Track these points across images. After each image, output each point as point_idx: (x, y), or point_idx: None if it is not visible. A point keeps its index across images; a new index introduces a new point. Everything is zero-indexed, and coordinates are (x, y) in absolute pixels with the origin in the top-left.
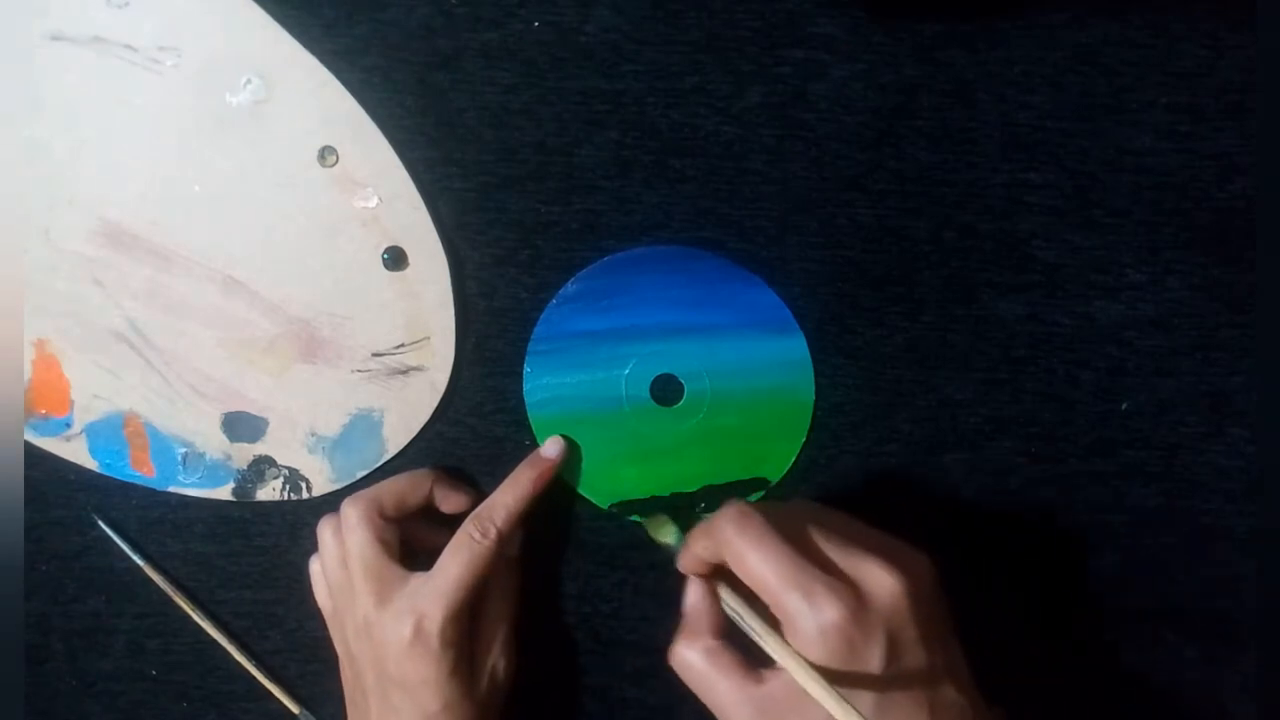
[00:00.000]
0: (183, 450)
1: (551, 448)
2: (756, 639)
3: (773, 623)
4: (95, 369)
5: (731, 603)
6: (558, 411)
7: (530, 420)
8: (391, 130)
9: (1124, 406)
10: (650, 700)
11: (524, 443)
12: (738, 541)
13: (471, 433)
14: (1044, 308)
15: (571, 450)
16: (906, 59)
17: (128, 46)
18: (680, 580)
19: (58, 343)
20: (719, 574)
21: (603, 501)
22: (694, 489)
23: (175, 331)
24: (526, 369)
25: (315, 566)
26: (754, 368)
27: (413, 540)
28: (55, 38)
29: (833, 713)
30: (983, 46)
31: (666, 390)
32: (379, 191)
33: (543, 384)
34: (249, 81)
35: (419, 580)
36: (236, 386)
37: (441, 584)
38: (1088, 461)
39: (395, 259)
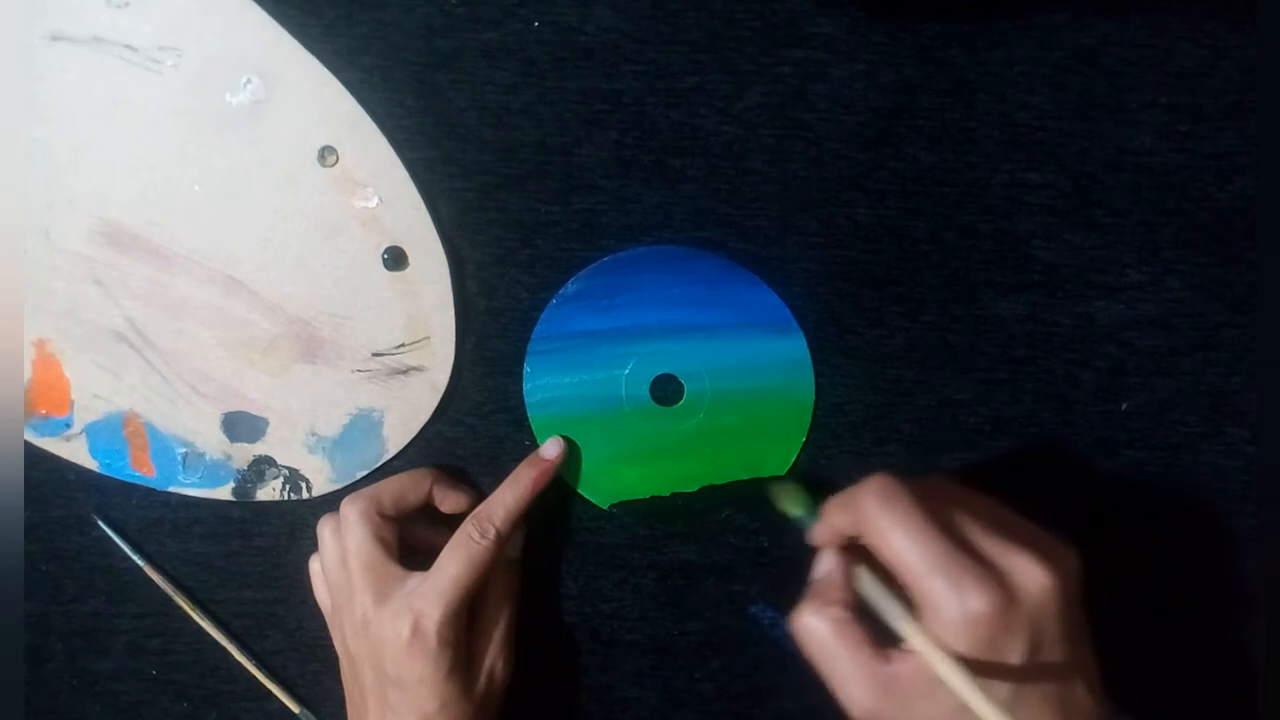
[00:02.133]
0: (183, 450)
1: (551, 448)
2: (892, 621)
3: (906, 606)
4: (95, 369)
5: (869, 582)
6: (558, 411)
7: (530, 420)
8: (391, 130)
9: (1124, 406)
10: (650, 700)
11: (524, 443)
12: (881, 517)
13: (471, 433)
14: (1044, 308)
15: (571, 450)
16: (906, 59)
17: (128, 46)
18: (801, 554)
19: (58, 343)
20: (857, 552)
21: (603, 502)
22: (694, 489)
23: (175, 331)
24: (526, 369)
25: (315, 566)
26: (754, 368)
27: (412, 540)
28: (55, 38)
29: (971, 704)
30: (983, 46)
31: (666, 390)
32: (379, 191)
33: (543, 384)
34: (249, 81)
35: (417, 579)
36: (236, 386)
37: (440, 583)
38: (1088, 461)
39: (395, 259)
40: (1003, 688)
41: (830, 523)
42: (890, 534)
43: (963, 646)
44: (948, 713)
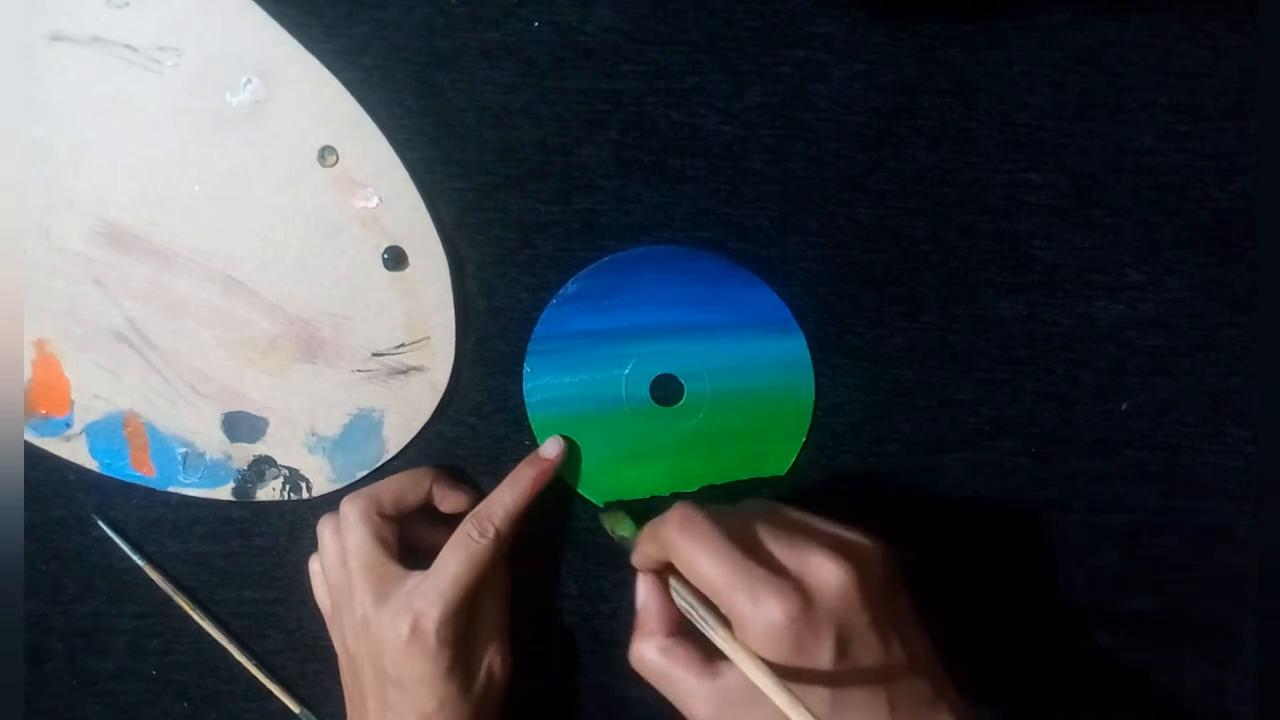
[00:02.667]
0: (183, 450)
1: (551, 448)
2: (708, 634)
3: (724, 621)
4: (95, 369)
5: (683, 596)
6: (558, 411)
7: (530, 420)
8: (391, 130)
9: (1124, 406)
10: (650, 700)
11: (524, 443)
12: (681, 544)
13: (471, 433)
14: (1044, 308)
15: (571, 450)
16: (906, 59)
17: (128, 46)
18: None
19: (58, 343)
20: (672, 571)
21: (601, 501)
22: (694, 489)
23: (175, 331)
24: (526, 369)
25: (315, 566)
26: (754, 368)
27: (412, 539)
28: (55, 38)
29: (782, 708)
30: (983, 46)
31: (666, 390)
32: (379, 191)
33: (543, 384)
34: (249, 81)
35: (417, 579)
36: (236, 386)
37: (439, 583)
38: (1088, 461)
39: (395, 259)
40: (820, 690)
41: (643, 551)
42: (691, 558)
43: (772, 655)
44: (778, 717)
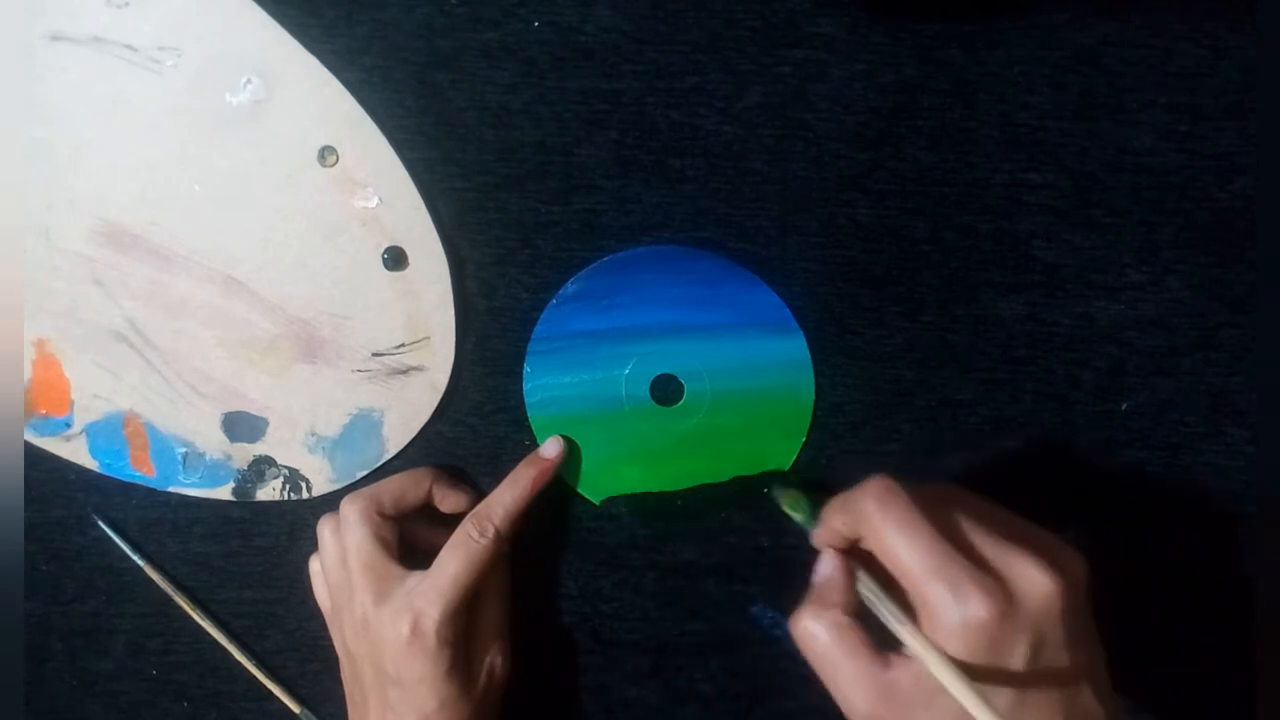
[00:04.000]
0: (183, 450)
1: (551, 448)
2: (892, 626)
3: (907, 609)
4: (95, 369)
5: (868, 587)
6: (558, 411)
7: (530, 420)
8: (391, 130)
9: (1124, 406)
10: (650, 700)
11: (524, 443)
12: (879, 520)
13: (471, 433)
14: (1044, 308)
15: (571, 450)
16: (906, 59)
17: (128, 46)
18: (805, 555)
19: (58, 343)
20: (854, 550)
21: (599, 500)
22: (693, 488)
23: (175, 331)
24: (526, 369)
25: (315, 566)
26: (754, 368)
27: (412, 539)
28: (55, 38)
29: (971, 711)
30: (983, 46)
31: (666, 390)
32: (379, 191)
33: (543, 384)
34: (249, 81)
35: (417, 578)
36: (236, 386)
37: (439, 582)
38: (1088, 461)
39: (395, 259)
40: (1004, 694)
41: (830, 525)
42: (888, 537)
43: (962, 652)
44: (946, 718)
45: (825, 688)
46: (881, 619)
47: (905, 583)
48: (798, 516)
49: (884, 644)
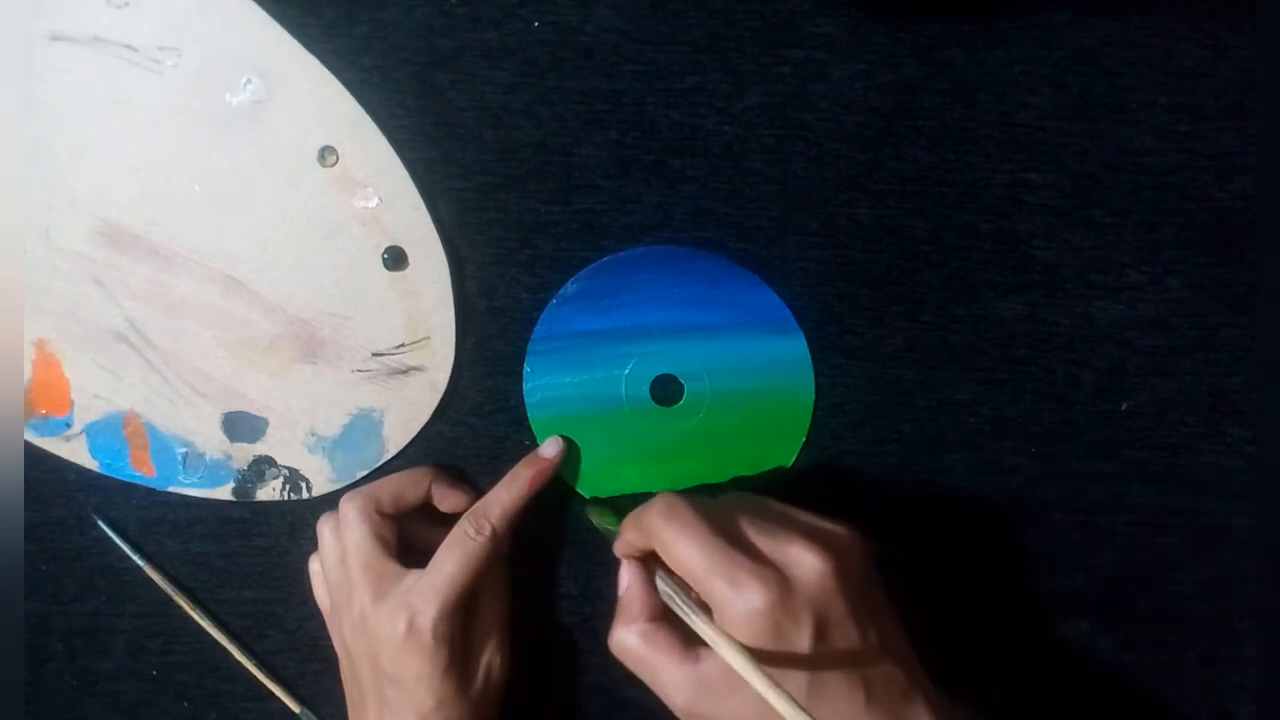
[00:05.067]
0: (183, 450)
1: (550, 448)
2: (688, 620)
3: (704, 609)
4: (95, 369)
5: (665, 584)
6: (558, 411)
7: (530, 420)
8: (391, 130)
9: (1124, 406)
10: (650, 700)
11: (524, 443)
12: (665, 530)
13: (471, 433)
14: (1044, 308)
15: (571, 450)
16: (906, 59)
17: (128, 46)
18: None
19: (58, 343)
20: (654, 560)
21: (590, 495)
22: (693, 488)
23: (175, 331)
24: (526, 369)
25: (315, 566)
26: (754, 368)
27: (411, 538)
28: (55, 38)
29: (761, 692)
30: (983, 46)
31: (666, 390)
32: (379, 191)
33: (543, 384)
34: (249, 81)
35: (415, 577)
36: (236, 386)
37: (436, 580)
38: (1088, 461)
39: (395, 259)
40: (797, 676)
41: (626, 539)
42: (673, 544)
43: (750, 640)
44: (755, 703)
45: (651, 692)
46: (678, 612)
47: (693, 585)
48: (607, 526)
49: (691, 644)
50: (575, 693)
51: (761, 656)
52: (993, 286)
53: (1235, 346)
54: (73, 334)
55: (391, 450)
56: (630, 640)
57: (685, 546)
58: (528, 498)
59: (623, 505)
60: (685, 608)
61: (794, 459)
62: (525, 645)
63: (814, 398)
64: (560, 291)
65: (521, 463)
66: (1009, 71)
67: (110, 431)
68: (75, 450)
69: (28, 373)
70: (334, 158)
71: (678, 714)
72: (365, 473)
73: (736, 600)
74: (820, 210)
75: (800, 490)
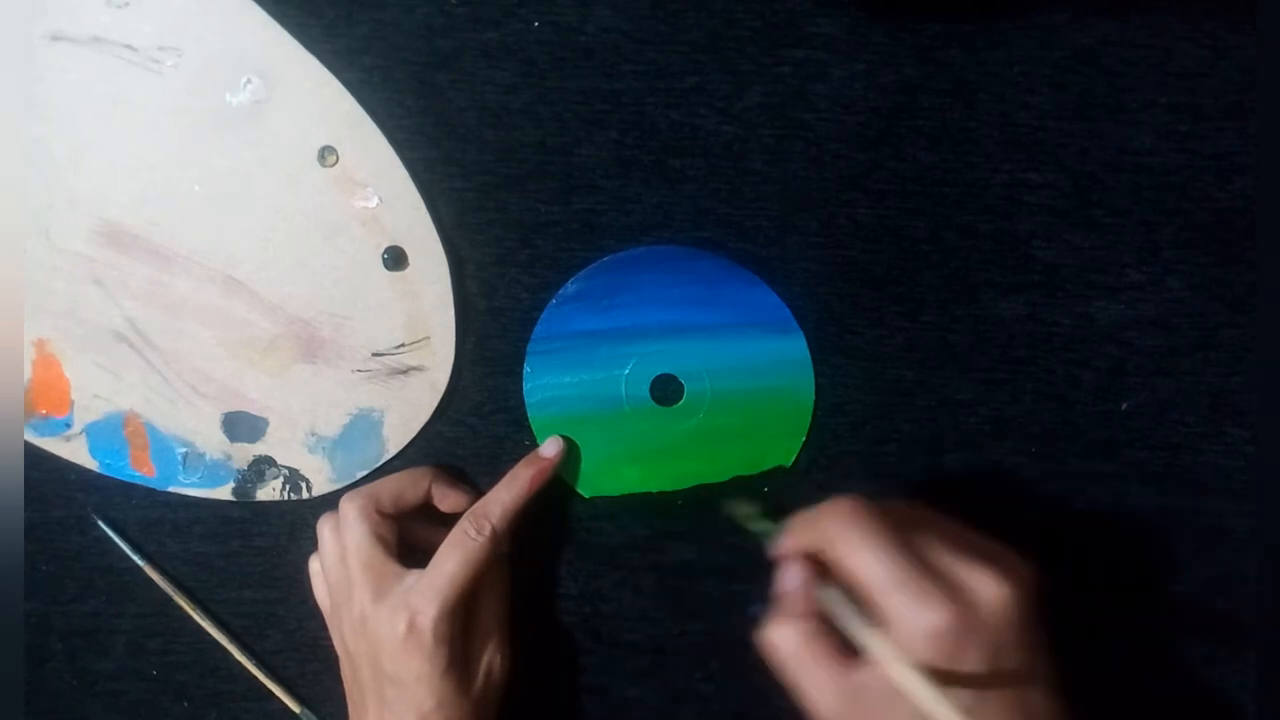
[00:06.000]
0: (183, 450)
1: (550, 447)
2: (857, 633)
3: (869, 618)
4: (95, 369)
5: (833, 595)
6: (558, 411)
7: (530, 420)
8: (391, 130)
9: (1124, 406)
10: (650, 700)
11: (524, 443)
12: (845, 536)
13: (471, 433)
14: (1044, 308)
15: (571, 450)
16: (906, 59)
17: (128, 46)
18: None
19: (58, 343)
20: (811, 562)
21: (589, 494)
22: (693, 488)
23: (175, 331)
24: (526, 369)
25: (315, 565)
26: (754, 368)
27: (411, 538)
28: (55, 38)
29: (931, 712)
30: (983, 46)
31: (666, 390)
32: (379, 191)
33: (543, 384)
34: (249, 81)
35: (415, 577)
36: (236, 386)
37: (436, 580)
38: (1088, 461)
39: (395, 259)
40: (962, 696)
41: (795, 539)
42: (855, 552)
43: (924, 658)
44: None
45: (793, 694)
46: (844, 627)
47: (869, 594)
48: (756, 527)
49: (847, 652)
50: (575, 693)
51: (929, 675)
52: (993, 286)
53: (1235, 346)
54: (73, 334)
55: (391, 450)
56: (789, 641)
57: (866, 555)
58: (528, 497)
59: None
60: (854, 622)
61: (794, 459)
62: (525, 645)
63: (814, 398)
64: (560, 291)
65: (521, 463)
66: (1009, 71)
67: (110, 431)
68: (75, 450)
69: (28, 373)
70: (334, 158)
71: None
72: (365, 473)
73: (917, 617)
74: (820, 210)
75: (801, 490)
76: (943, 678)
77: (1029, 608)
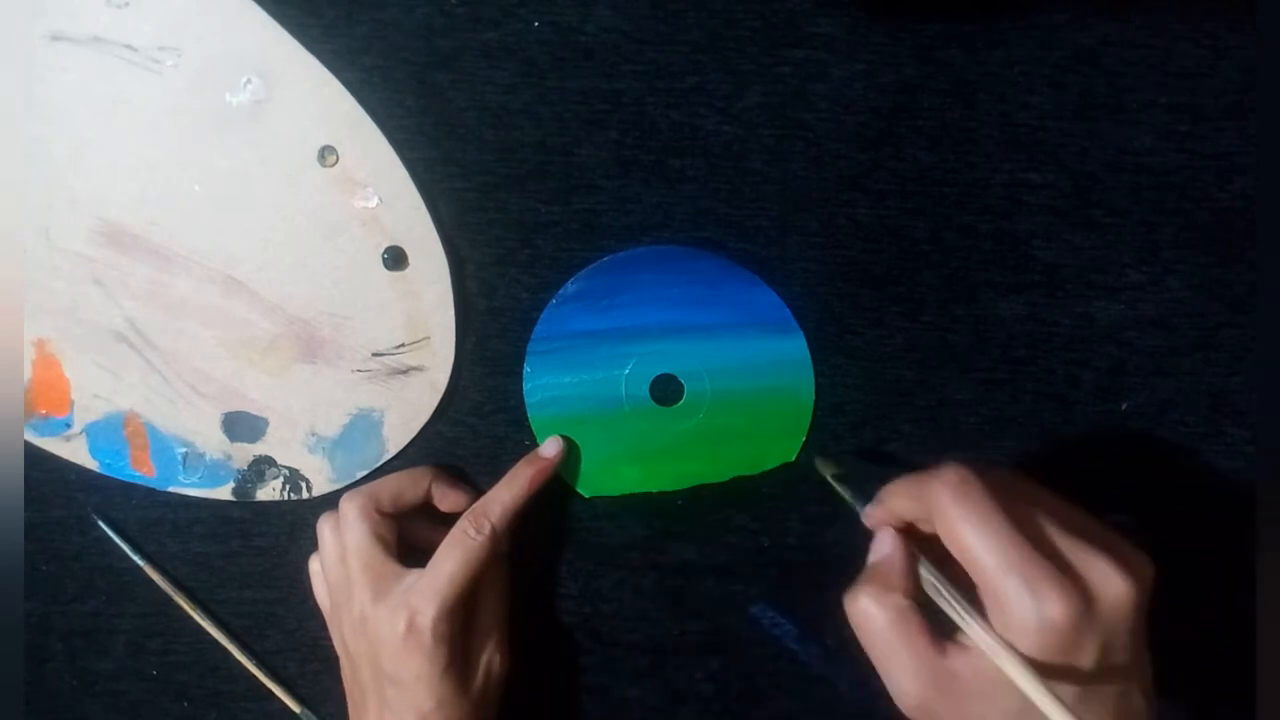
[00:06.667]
0: (183, 450)
1: (550, 447)
2: (961, 618)
3: (969, 598)
4: (95, 369)
5: (934, 574)
6: (558, 411)
7: (530, 420)
8: (391, 130)
9: (1124, 406)
10: (650, 700)
11: (524, 443)
12: (955, 511)
13: (471, 433)
14: (1044, 308)
15: (571, 450)
16: (906, 59)
17: (128, 46)
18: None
19: (58, 343)
20: (909, 530)
21: (589, 494)
22: (693, 488)
23: (175, 331)
24: (526, 369)
25: (315, 566)
26: (754, 368)
27: (411, 538)
28: (55, 38)
29: (1047, 711)
30: (983, 46)
31: (666, 390)
32: (379, 191)
33: (543, 384)
34: (249, 81)
35: (414, 576)
36: (236, 386)
37: (435, 579)
38: (1088, 461)
39: (395, 259)
40: (1068, 690)
41: (891, 506)
42: (965, 529)
43: (1035, 651)
44: (1004, 713)
45: (876, 671)
46: (946, 609)
47: (978, 576)
48: (845, 493)
49: (940, 632)
50: (575, 693)
51: (1038, 669)
52: (993, 286)
53: (1235, 346)
54: (73, 334)
55: (391, 450)
56: (880, 614)
57: (981, 535)
58: (527, 497)
59: (634, 506)
60: (958, 607)
61: (795, 459)
62: (525, 645)
63: (814, 398)
64: (560, 291)
65: (521, 462)
66: (1009, 71)
67: (110, 431)
68: (75, 450)
69: (28, 373)
70: (334, 158)
71: (902, 702)
72: (365, 473)
73: (1033, 608)
74: (820, 210)
75: (801, 490)
76: (1050, 671)
77: (1144, 605)
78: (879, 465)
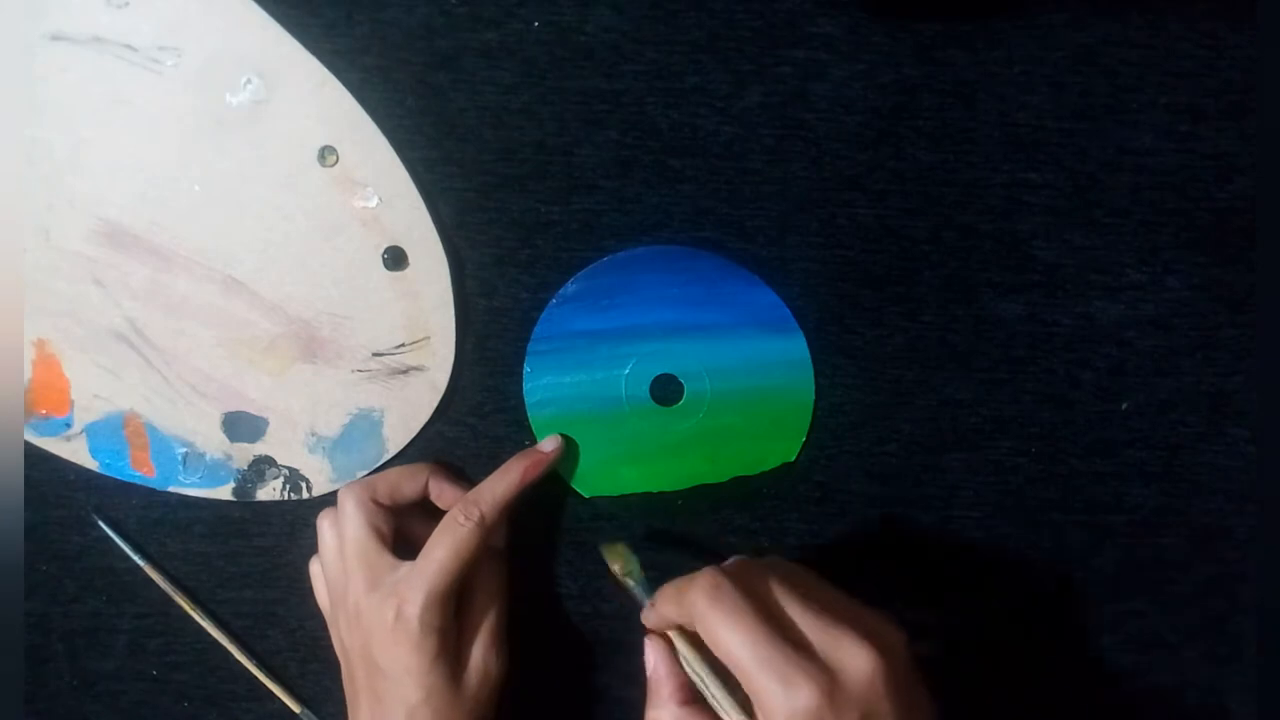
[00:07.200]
0: (183, 450)
1: (549, 443)
2: (722, 711)
3: (739, 692)
4: (95, 369)
5: (695, 668)
6: (557, 411)
7: (530, 420)
8: (391, 130)
9: (1124, 406)
10: None
11: (524, 442)
12: (710, 614)
13: (471, 433)
14: (1044, 308)
15: (571, 450)
16: (906, 59)
17: (128, 46)
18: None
19: (58, 343)
20: (681, 635)
21: (588, 493)
22: (693, 488)
23: (175, 331)
24: (526, 369)
25: (315, 567)
26: (754, 368)
27: (409, 535)
28: (55, 38)
29: None
30: (983, 46)
31: (666, 390)
32: (379, 191)
33: (543, 384)
34: (249, 81)
35: (407, 568)
36: (236, 386)
37: (423, 567)
38: (1088, 461)
39: (395, 259)
40: None
41: (661, 613)
42: (720, 632)
43: None
44: None
45: None
46: (709, 699)
47: (738, 674)
48: (630, 584)
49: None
50: (575, 693)
51: None
52: (993, 286)
53: (1235, 346)
54: (73, 334)
55: (391, 450)
56: None
57: (732, 634)
58: (520, 488)
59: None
60: (720, 700)
61: (795, 459)
62: (525, 645)
63: (814, 398)
64: (560, 291)
65: (516, 456)
66: (1009, 71)
67: (110, 431)
68: (75, 450)
69: (28, 373)
70: (334, 158)
71: None
72: (365, 473)
73: (785, 698)
74: (820, 210)
75: (801, 491)
76: None
77: (900, 672)
78: (657, 548)
